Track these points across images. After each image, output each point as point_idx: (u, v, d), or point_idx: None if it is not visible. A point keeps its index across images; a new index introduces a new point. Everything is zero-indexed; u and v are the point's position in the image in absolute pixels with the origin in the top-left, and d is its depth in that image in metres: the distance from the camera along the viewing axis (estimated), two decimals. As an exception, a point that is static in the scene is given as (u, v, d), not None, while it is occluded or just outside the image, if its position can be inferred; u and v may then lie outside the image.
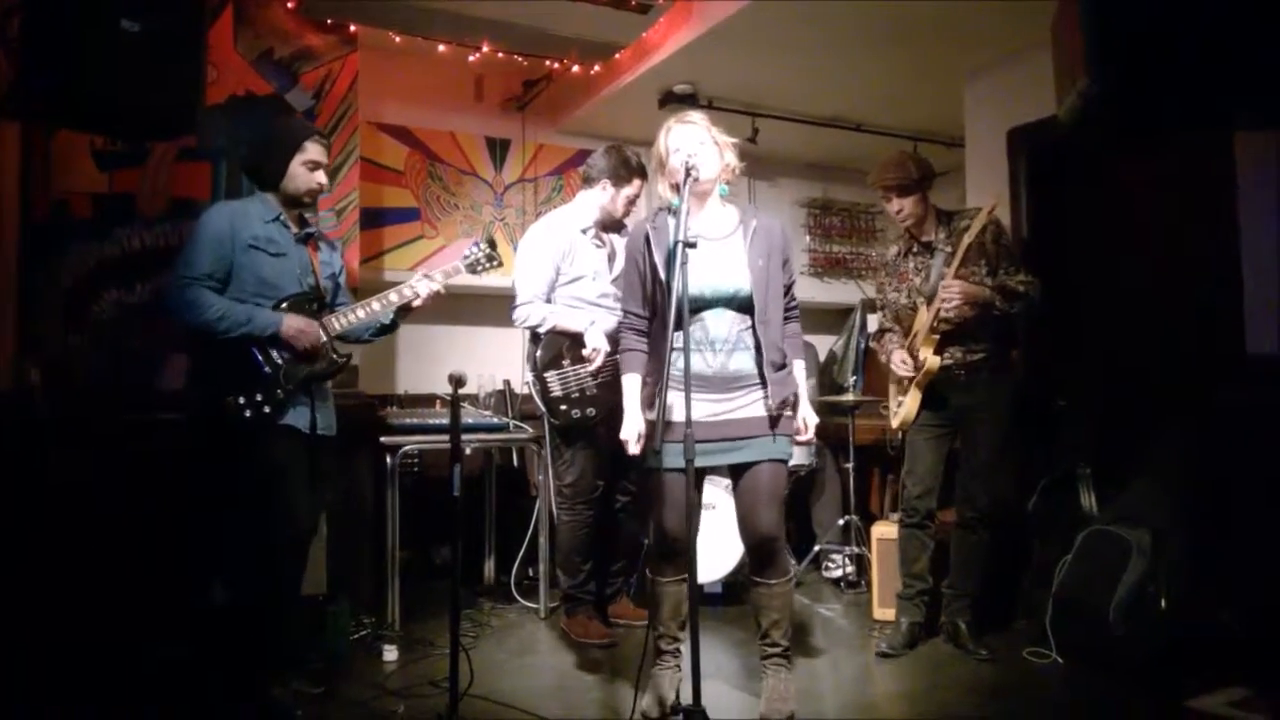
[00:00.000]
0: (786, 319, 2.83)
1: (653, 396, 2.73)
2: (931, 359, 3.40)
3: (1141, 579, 3.22)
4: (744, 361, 2.70)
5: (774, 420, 2.71)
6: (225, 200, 3.13)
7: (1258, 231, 3.39)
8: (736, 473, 2.78)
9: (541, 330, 3.69)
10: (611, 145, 3.86)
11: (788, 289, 2.85)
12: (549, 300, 3.73)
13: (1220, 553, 3.20)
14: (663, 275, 2.69)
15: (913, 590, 3.57)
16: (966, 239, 3.32)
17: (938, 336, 3.40)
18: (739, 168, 2.83)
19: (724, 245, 2.75)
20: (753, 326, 2.72)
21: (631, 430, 2.74)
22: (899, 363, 3.50)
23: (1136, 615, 3.19)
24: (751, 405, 2.71)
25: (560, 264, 3.73)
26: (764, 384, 2.71)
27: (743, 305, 2.71)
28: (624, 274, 2.96)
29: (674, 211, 2.65)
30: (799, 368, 2.84)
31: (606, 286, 3.75)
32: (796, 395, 2.78)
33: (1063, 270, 4.18)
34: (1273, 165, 3.34)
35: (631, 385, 2.80)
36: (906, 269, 3.59)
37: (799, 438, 2.79)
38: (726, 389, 2.68)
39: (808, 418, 2.80)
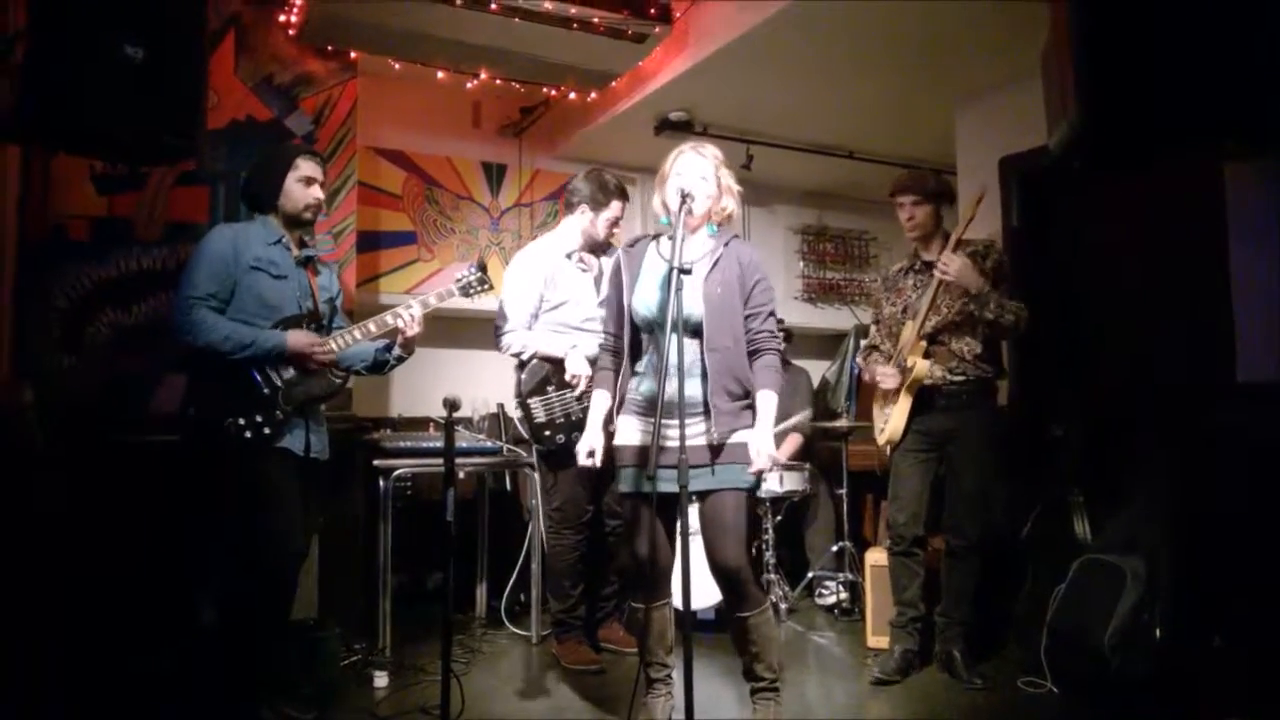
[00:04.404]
0: (758, 350, 2.75)
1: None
2: (920, 363, 3.42)
3: (1136, 607, 3.21)
4: (696, 389, 2.67)
5: (716, 451, 2.66)
6: (226, 223, 3.15)
7: (1248, 258, 3.42)
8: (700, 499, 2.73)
9: (524, 357, 3.72)
10: (591, 170, 3.91)
11: (752, 317, 2.76)
12: (532, 327, 3.76)
13: (1214, 581, 3.19)
14: (626, 299, 2.79)
15: (905, 617, 3.55)
16: (958, 231, 3.40)
17: (925, 344, 3.44)
18: (733, 214, 2.85)
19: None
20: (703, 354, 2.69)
21: (584, 444, 2.79)
22: (883, 374, 3.53)
23: (1131, 644, 3.18)
24: (696, 436, 2.65)
25: (544, 291, 3.76)
26: (707, 414, 2.67)
27: (695, 331, 2.69)
28: (606, 298, 3.00)
29: (657, 237, 2.82)
30: (764, 398, 2.70)
31: (592, 310, 3.74)
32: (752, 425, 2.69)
33: (1054, 297, 4.21)
34: (1262, 193, 3.37)
35: (598, 402, 2.85)
36: (905, 285, 3.63)
37: (750, 469, 2.65)
38: (677, 415, 2.54)
39: (762, 447, 2.64)
